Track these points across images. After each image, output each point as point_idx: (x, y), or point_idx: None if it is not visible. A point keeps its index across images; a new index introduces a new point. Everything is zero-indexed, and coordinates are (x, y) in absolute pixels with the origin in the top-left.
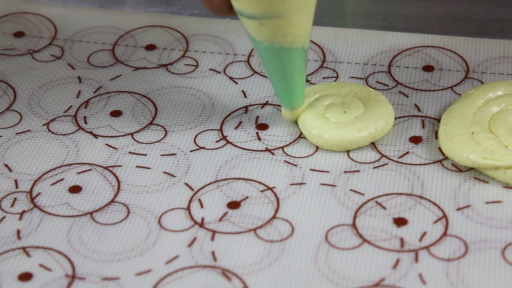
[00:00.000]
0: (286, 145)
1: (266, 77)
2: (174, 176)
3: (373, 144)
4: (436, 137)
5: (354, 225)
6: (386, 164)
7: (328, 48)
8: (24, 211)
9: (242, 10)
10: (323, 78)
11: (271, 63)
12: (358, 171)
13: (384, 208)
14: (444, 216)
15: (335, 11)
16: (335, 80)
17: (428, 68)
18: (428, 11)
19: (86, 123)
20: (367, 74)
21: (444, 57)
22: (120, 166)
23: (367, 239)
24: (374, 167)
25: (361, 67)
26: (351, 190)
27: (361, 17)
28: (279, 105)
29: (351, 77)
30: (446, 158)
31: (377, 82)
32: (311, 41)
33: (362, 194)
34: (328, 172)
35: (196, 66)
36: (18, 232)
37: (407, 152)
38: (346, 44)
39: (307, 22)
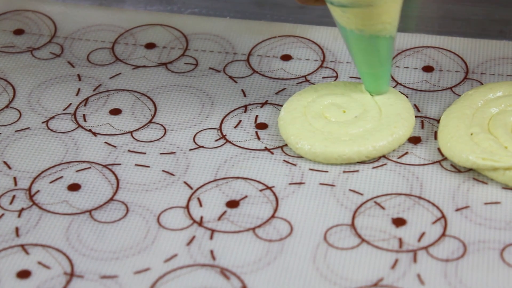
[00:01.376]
0: (285, 145)
1: (265, 76)
2: (173, 175)
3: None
4: (435, 138)
5: (353, 225)
6: (385, 164)
7: (328, 48)
8: (23, 209)
9: (333, 0)
10: (323, 78)
11: (360, 51)
12: (357, 171)
13: (383, 208)
14: (443, 216)
15: None
16: (334, 80)
17: (427, 69)
18: (428, 12)
19: (85, 121)
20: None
21: (444, 57)
22: (119, 164)
23: (365, 239)
24: (373, 167)
25: None
26: (350, 190)
27: None
28: (279, 105)
29: (350, 77)
30: (445, 158)
31: None
32: (311, 40)
33: (361, 194)
34: (327, 172)
35: (196, 65)
36: (17, 229)
37: (406, 153)
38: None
39: (396, 10)
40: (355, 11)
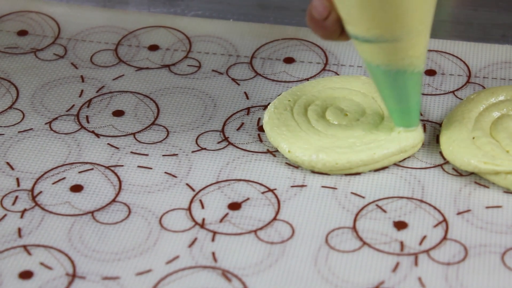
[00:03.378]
0: None
1: (268, 78)
2: (175, 177)
3: None
4: (437, 141)
5: (354, 228)
6: (387, 167)
7: (331, 51)
8: (25, 210)
9: (358, 35)
10: None
11: (387, 87)
12: (359, 174)
13: (384, 211)
14: (444, 220)
15: None
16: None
17: (430, 72)
18: None
19: (88, 122)
20: (369, 77)
21: (446, 61)
22: (122, 166)
23: (367, 242)
24: (375, 171)
25: (363, 70)
26: (351, 193)
27: None
28: None
29: None
30: (447, 162)
31: None
32: (314, 43)
33: (363, 197)
34: (329, 175)
35: (199, 67)
36: (19, 230)
37: (408, 156)
38: (348, 47)
39: (424, 45)
40: (381, 46)
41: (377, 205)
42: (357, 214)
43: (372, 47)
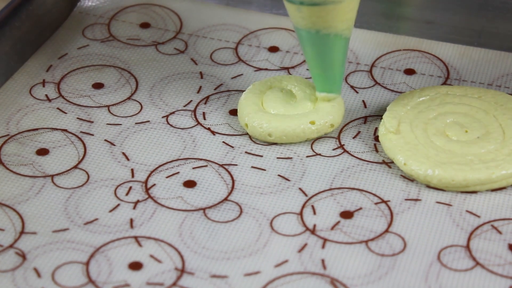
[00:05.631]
0: None
1: (387, 89)
2: (288, 180)
3: None
4: None
5: (468, 247)
6: (505, 188)
7: (454, 65)
8: (138, 201)
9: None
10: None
11: (312, 50)
12: (475, 192)
13: (500, 232)
14: None
15: (461, 28)
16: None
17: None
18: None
19: (205, 119)
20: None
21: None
22: (236, 165)
23: (480, 263)
24: (492, 190)
25: (486, 87)
26: (467, 211)
27: (489, 37)
28: None
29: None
30: None
31: None
32: (436, 56)
33: (478, 216)
34: (444, 191)
35: None
36: (131, 221)
37: None
38: (472, 63)
39: (352, 12)
40: (309, 9)
41: (492, 225)
42: (471, 233)
43: (301, 10)
